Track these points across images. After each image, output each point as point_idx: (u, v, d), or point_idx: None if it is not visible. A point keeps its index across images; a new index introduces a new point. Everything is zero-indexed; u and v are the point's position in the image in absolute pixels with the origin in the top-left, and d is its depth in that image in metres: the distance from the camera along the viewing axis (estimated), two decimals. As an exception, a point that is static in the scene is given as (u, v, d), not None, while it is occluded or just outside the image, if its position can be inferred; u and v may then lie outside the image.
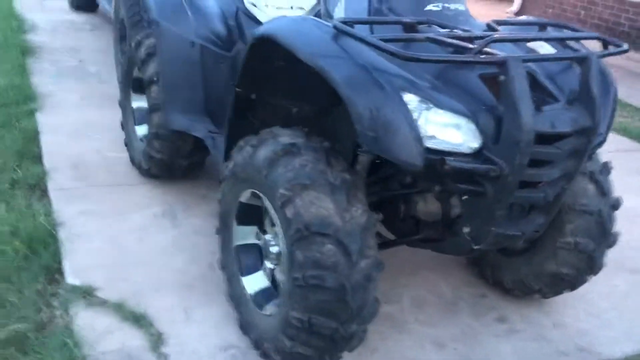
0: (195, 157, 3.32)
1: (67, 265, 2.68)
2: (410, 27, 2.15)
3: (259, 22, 3.11)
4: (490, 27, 2.32)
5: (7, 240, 2.81)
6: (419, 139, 1.81)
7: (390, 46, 1.80)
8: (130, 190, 3.38)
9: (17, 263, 2.67)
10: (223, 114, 3.09)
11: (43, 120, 4.07)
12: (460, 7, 2.31)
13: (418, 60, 1.80)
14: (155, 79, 3.09)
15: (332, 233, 1.86)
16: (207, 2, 3.18)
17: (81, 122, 4.14)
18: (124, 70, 3.54)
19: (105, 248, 2.84)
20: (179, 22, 3.02)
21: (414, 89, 1.86)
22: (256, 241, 2.37)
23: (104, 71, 5.18)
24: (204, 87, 3.05)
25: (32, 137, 3.83)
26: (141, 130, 3.51)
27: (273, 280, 2.31)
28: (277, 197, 1.95)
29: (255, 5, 3.18)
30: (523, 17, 2.57)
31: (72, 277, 2.61)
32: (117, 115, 4.26)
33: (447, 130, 1.88)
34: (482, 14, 6.83)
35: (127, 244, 2.89)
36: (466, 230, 2.09)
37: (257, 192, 2.14)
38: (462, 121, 1.88)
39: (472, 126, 1.89)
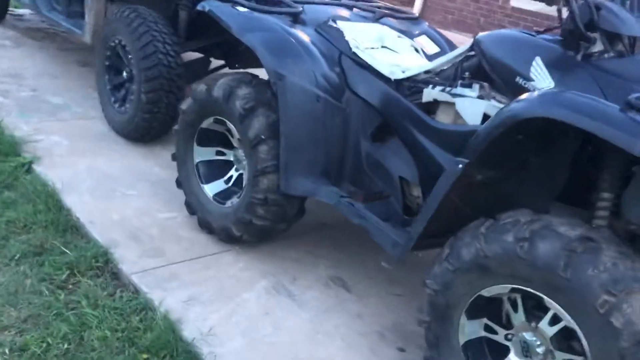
0: (294, 220, 2.92)
1: (227, 378, 2.23)
2: None
3: (364, 67, 2.80)
4: None
5: (122, 348, 2.29)
6: None
7: None
8: (217, 262, 2.90)
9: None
10: (340, 173, 2.77)
11: (49, 175, 3.35)
12: None
13: None
14: (263, 137, 2.65)
15: (664, 341, 1.70)
16: (313, 45, 2.79)
17: (94, 173, 3.49)
18: (185, 120, 3.02)
19: (248, 345, 2.40)
20: (300, 72, 2.62)
21: None
22: (486, 334, 2.12)
23: (72, 103, 4.44)
24: (324, 144, 2.68)
25: (52, 200, 3.13)
26: (212, 189, 3.03)
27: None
28: (594, 303, 1.73)
29: (358, 48, 2.86)
30: None
31: (241, 394, 2.17)
32: (127, 160, 3.73)
33: None
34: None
35: (266, 336, 2.47)
36: None
37: (531, 290, 1.89)
38: None
39: None
